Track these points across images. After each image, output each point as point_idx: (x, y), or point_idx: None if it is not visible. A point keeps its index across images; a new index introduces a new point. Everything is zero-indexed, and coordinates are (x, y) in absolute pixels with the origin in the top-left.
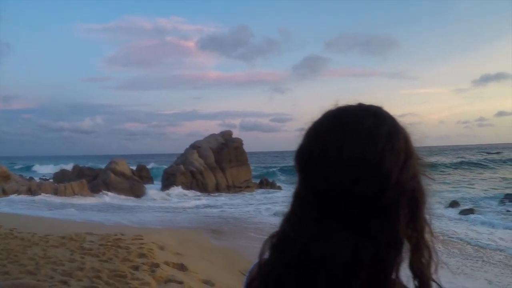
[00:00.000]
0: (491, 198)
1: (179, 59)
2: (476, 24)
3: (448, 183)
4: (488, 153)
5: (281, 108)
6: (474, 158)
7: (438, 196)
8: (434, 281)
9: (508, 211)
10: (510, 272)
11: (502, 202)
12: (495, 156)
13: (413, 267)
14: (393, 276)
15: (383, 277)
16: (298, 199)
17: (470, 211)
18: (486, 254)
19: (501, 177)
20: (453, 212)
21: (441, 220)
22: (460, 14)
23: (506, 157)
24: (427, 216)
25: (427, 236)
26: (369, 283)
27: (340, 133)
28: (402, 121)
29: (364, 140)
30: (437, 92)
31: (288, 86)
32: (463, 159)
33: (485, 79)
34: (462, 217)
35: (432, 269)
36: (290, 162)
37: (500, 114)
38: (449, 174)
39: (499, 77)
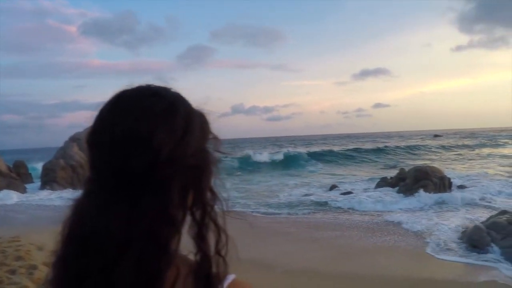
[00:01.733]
0: (368, 182)
1: (60, 45)
2: (358, 22)
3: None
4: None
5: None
6: (367, 146)
7: (321, 181)
8: (221, 256)
9: (379, 192)
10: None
11: (378, 185)
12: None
13: (196, 243)
14: (171, 250)
15: (157, 252)
16: (86, 179)
17: (348, 193)
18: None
19: (382, 164)
20: (336, 193)
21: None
22: (346, 12)
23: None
24: (214, 194)
25: (212, 213)
26: (142, 258)
27: (116, 112)
28: (199, 106)
29: (138, 117)
30: (319, 84)
31: (172, 76)
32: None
33: (365, 74)
34: (340, 196)
35: (221, 245)
36: None
37: (377, 106)
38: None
39: (377, 72)
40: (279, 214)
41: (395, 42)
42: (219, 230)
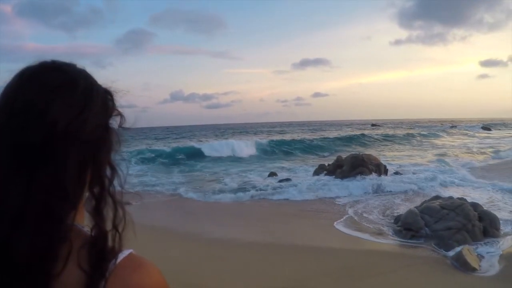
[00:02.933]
0: (305, 169)
1: None
2: (301, 13)
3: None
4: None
5: (101, 84)
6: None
7: (262, 168)
8: (117, 231)
9: (318, 180)
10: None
11: (315, 172)
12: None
13: (92, 217)
14: (66, 225)
15: (51, 227)
16: None
17: (287, 180)
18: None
19: (319, 152)
20: (274, 180)
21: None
22: (289, 2)
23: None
24: (113, 170)
25: (111, 188)
26: (36, 233)
27: (17, 86)
28: (107, 84)
29: (36, 91)
30: (260, 73)
31: (110, 61)
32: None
33: (305, 63)
34: (278, 183)
35: (117, 220)
36: None
37: (316, 95)
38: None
39: (317, 62)
40: (219, 198)
41: (337, 33)
42: (116, 205)
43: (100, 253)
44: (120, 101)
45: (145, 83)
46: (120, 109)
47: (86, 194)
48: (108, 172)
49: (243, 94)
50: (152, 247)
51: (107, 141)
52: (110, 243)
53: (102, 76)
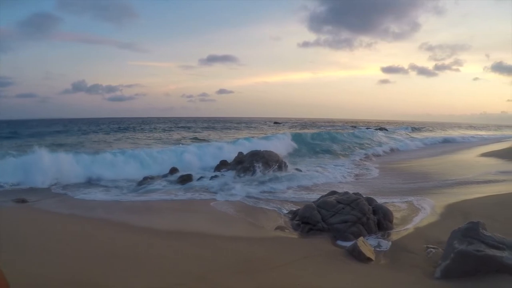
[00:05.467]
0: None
1: None
2: (212, 9)
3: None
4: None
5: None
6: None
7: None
8: None
9: (217, 175)
10: None
11: (217, 168)
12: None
13: None
14: None
15: None
16: None
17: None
18: None
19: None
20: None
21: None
22: None
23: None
24: None
25: None
26: None
27: None
28: None
29: None
30: (166, 67)
31: (10, 45)
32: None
33: (212, 59)
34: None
35: None
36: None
37: (222, 91)
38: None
39: (225, 59)
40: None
41: (247, 32)
42: None
43: None
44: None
45: (47, 71)
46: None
47: None
48: None
49: (148, 87)
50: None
51: None
52: None
53: (4, 61)
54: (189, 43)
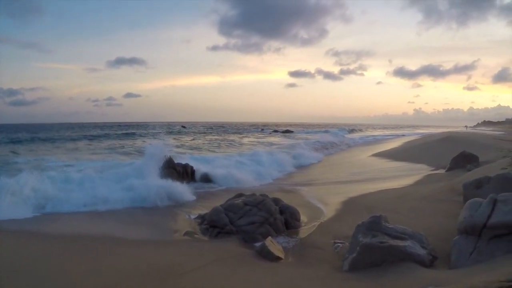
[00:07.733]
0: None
1: None
2: (120, 9)
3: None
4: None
5: None
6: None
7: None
8: None
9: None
10: None
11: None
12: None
13: None
14: None
15: None
16: None
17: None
18: None
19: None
20: None
21: None
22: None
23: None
24: None
25: None
26: None
27: None
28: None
29: None
30: (70, 69)
31: None
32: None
33: (120, 62)
34: None
35: None
36: None
37: (128, 95)
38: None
39: (132, 61)
40: None
41: (156, 34)
42: None
43: None
44: None
45: None
46: None
47: None
48: None
49: (51, 91)
50: None
51: None
52: None
53: None
54: (95, 44)
